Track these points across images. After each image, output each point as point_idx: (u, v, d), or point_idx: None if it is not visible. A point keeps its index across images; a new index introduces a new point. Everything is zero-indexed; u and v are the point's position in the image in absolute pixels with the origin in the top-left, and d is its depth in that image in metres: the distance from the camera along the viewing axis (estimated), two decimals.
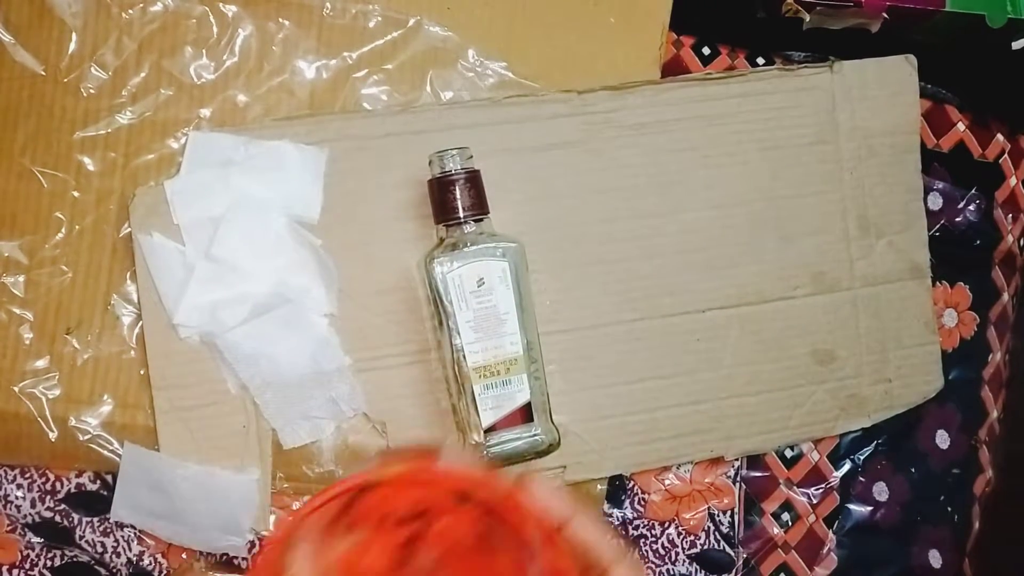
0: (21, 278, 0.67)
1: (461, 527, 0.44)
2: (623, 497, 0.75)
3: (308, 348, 0.67)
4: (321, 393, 0.67)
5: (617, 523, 0.74)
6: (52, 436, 0.66)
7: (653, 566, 0.75)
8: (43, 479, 0.68)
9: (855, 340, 0.76)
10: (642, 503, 0.75)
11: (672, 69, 0.77)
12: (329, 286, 0.68)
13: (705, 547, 0.76)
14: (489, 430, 0.63)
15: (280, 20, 0.70)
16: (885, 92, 0.77)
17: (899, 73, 0.78)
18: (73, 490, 0.68)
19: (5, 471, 0.67)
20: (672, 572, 0.75)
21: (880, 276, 0.77)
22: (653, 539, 0.75)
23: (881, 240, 0.77)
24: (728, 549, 0.76)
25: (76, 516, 0.68)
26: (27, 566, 0.67)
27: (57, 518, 0.68)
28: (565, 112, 0.72)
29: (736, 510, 0.76)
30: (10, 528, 0.67)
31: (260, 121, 0.69)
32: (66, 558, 0.68)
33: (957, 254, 0.82)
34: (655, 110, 0.73)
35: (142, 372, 0.67)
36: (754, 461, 0.77)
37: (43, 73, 0.67)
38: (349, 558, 0.43)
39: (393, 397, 0.69)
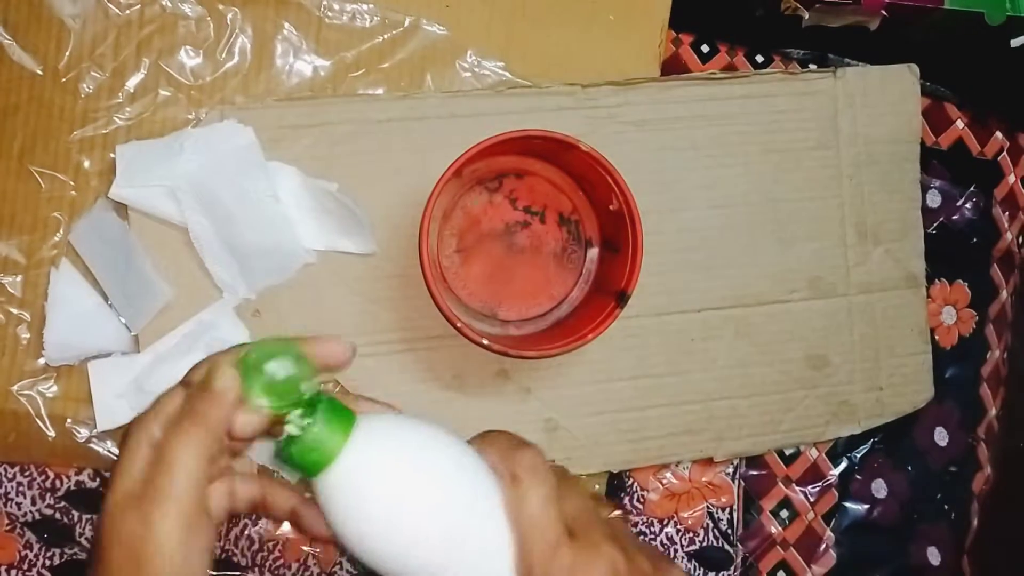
0: (19, 278, 0.67)
1: None
2: (622, 495, 0.75)
3: None
4: None
5: None
6: (50, 435, 0.66)
7: None
8: (43, 477, 0.68)
9: (848, 347, 0.76)
10: (641, 500, 0.75)
11: (671, 67, 0.77)
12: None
13: (704, 544, 0.76)
14: None
15: (278, 20, 0.70)
16: (887, 100, 0.77)
17: (902, 82, 0.78)
18: (73, 488, 0.68)
19: (5, 469, 0.68)
20: None
21: (876, 284, 0.77)
22: (652, 536, 0.75)
23: (878, 248, 0.77)
24: (727, 547, 0.76)
25: (76, 513, 0.68)
26: (24, 567, 0.67)
27: (57, 515, 0.68)
28: (569, 105, 0.72)
29: (735, 508, 0.77)
30: (9, 528, 0.67)
31: (262, 100, 0.69)
32: (65, 556, 0.68)
33: (955, 252, 0.82)
34: (658, 107, 0.73)
35: None
36: (753, 459, 0.77)
37: (41, 73, 0.68)
38: None
39: (384, 384, 0.69)
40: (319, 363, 0.49)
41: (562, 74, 0.72)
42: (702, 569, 0.76)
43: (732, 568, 0.76)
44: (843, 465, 0.79)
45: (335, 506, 0.44)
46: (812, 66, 0.79)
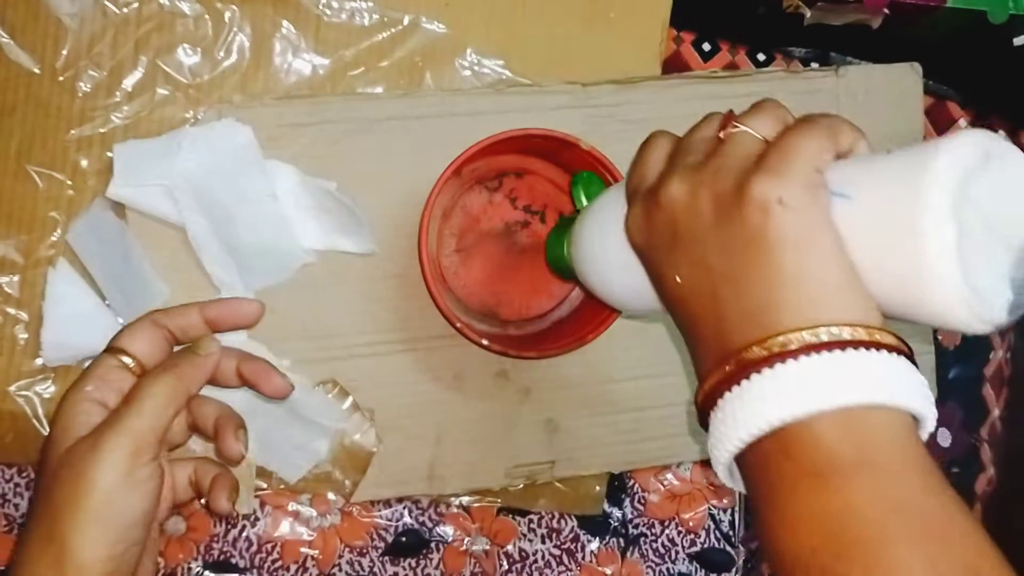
0: (16, 278, 0.66)
1: None
2: (623, 496, 0.75)
3: None
4: (298, 418, 0.67)
5: (617, 522, 0.74)
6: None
7: (653, 565, 0.75)
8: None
9: None
10: (642, 502, 0.75)
11: (672, 65, 0.77)
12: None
13: (705, 546, 0.76)
14: None
15: (276, 19, 0.69)
16: (889, 99, 0.77)
17: (904, 80, 0.77)
18: None
19: (2, 470, 0.67)
20: (672, 571, 0.75)
21: None
22: (653, 538, 0.75)
23: None
24: (728, 548, 0.76)
25: None
26: None
27: None
28: (569, 103, 0.71)
29: (736, 509, 0.76)
30: (6, 528, 0.67)
31: (261, 99, 0.69)
32: None
33: None
34: (659, 106, 0.73)
35: None
36: None
37: (38, 72, 0.67)
38: None
39: (383, 384, 0.69)
40: (229, 323, 0.58)
41: (562, 72, 0.72)
42: (704, 571, 0.75)
43: (734, 570, 0.76)
44: None
45: (576, 250, 0.56)
46: (814, 64, 0.79)
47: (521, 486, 0.71)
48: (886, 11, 0.75)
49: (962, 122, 0.83)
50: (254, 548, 0.69)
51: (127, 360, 0.54)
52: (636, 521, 0.75)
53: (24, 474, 0.67)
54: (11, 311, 0.66)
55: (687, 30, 0.78)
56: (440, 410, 0.69)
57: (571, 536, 0.74)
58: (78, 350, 0.66)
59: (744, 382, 0.38)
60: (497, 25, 0.72)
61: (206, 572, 0.69)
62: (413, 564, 0.71)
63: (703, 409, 0.41)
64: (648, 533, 0.75)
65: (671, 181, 0.42)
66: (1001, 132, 0.84)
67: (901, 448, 0.36)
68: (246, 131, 0.66)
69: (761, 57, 0.79)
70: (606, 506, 0.74)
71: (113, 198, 0.65)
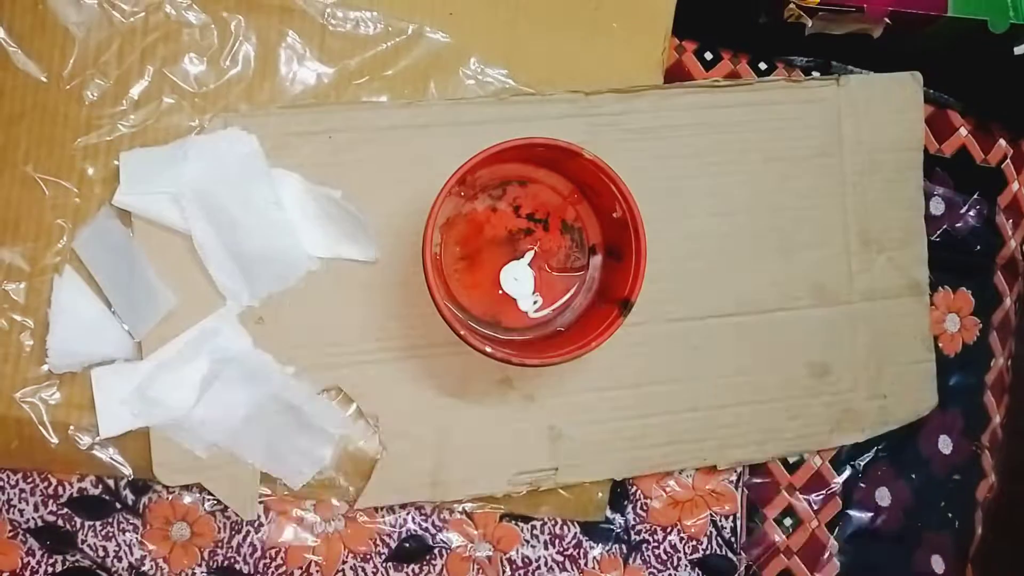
0: (23, 285, 0.67)
1: None
2: (625, 502, 0.75)
3: (268, 391, 0.67)
4: (302, 425, 0.67)
5: (619, 529, 0.75)
6: (53, 442, 0.66)
7: (655, 571, 0.75)
8: (45, 483, 0.68)
9: (851, 354, 0.76)
10: (644, 508, 0.75)
11: (674, 75, 0.77)
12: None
13: (707, 553, 0.76)
14: None
15: (282, 28, 0.70)
16: (890, 108, 0.77)
17: (905, 90, 0.78)
18: (75, 494, 0.68)
19: (7, 476, 0.68)
20: None
21: (879, 291, 0.77)
22: (655, 545, 0.75)
23: (881, 255, 0.77)
24: (730, 555, 0.76)
25: (78, 520, 0.68)
26: (27, 574, 0.67)
27: (59, 522, 0.68)
28: (572, 112, 0.72)
29: (738, 516, 0.76)
30: (11, 534, 0.67)
31: (266, 108, 0.69)
32: (67, 563, 0.68)
33: (959, 260, 0.82)
34: (661, 115, 0.73)
35: None
36: (756, 467, 0.77)
37: (45, 80, 0.68)
38: None
39: (387, 391, 0.69)
40: None
41: (565, 81, 0.72)
42: None
43: None
44: (847, 473, 0.79)
45: None
46: (815, 74, 0.79)
47: (524, 492, 0.71)
48: (887, 21, 0.75)
49: (963, 130, 0.83)
50: (258, 554, 0.70)
51: None
52: (638, 527, 0.75)
53: (29, 480, 0.68)
54: (17, 318, 0.67)
55: (689, 39, 0.78)
56: (443, 417, 0.70)
57: (573, 542, 0.74)
58: (83, 357, 0.66)
59: None
60: (500, 35, 0.73)
61: None
62: (416, 570, 0.71)
63: None
64: (650, 539, 0.75)
65: None
66: (1002, 140, 0.84)
67: None
68: (251, 140, 0.67)
69: (763, 66, 0.80)
70: (608, 512, 0.74)
71: (119, 206, 0.66)
